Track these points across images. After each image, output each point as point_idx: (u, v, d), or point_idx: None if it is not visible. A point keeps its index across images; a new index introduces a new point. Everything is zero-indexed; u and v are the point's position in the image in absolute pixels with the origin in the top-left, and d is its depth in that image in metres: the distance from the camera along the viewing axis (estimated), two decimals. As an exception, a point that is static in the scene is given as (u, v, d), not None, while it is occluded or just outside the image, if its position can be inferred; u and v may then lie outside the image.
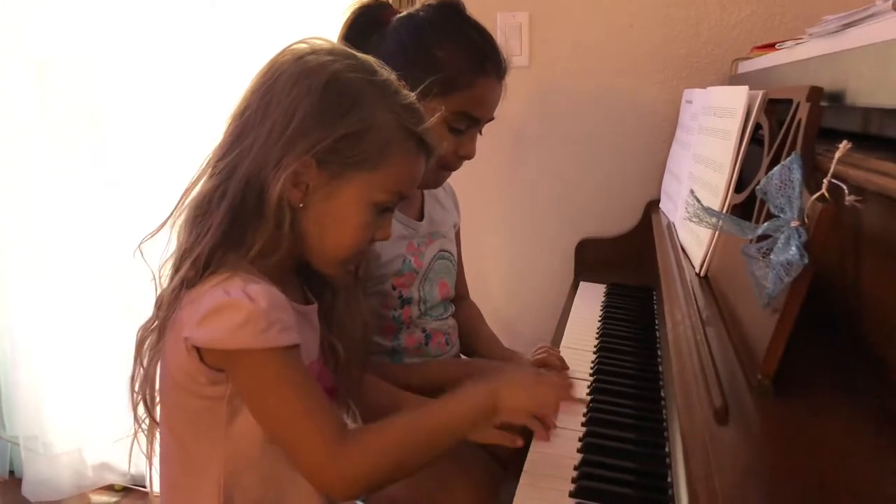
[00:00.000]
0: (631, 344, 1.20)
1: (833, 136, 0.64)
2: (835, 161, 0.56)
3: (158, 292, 0.79)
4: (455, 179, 1.21)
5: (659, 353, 1.13)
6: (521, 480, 0.80)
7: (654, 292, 1.42)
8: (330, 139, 0.74)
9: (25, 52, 1.88)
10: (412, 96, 0.81)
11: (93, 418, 2.02)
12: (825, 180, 0.56)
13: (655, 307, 1.36)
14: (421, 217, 1.18)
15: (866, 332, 0.63)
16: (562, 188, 1.71)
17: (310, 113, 0.74)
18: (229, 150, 0.77)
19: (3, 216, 1.96)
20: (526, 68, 1.64)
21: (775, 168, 0.60)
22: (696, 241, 1.02)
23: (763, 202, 0.66)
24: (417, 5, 1.10)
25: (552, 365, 1.08)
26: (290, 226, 0.76)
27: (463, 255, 1.33)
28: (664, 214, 1.43)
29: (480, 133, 1.11)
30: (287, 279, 0.83)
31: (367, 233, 0.80)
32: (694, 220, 0.73)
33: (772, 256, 0.57)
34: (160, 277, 0.79)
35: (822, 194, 0.55)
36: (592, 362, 1.13)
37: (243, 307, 0.69)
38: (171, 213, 0.78)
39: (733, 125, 0.94)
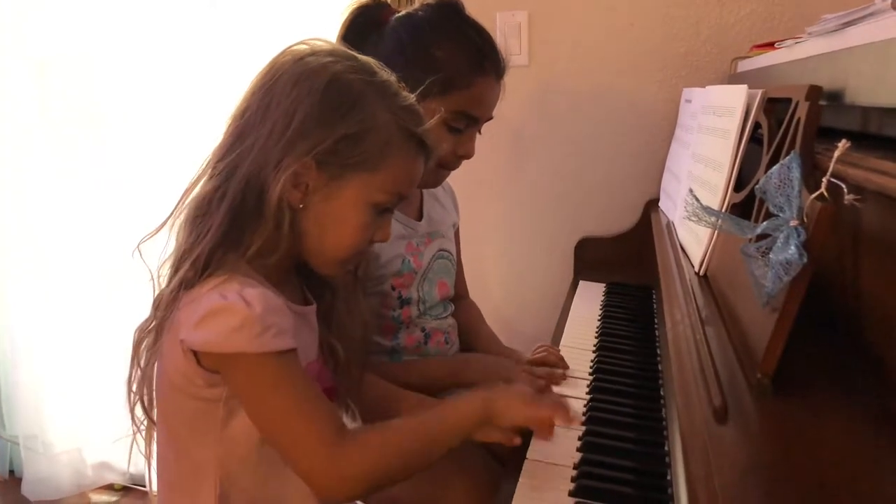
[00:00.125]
0: (630, 343, 1.20)
1: (832, 135, 0.64)
2: (834, 160, 0.56)
3: (157, 293, 0.79)
4: (455, 179, 1.21)
5: (658, 352, 1.13)
6: (521, 479, 0.80)
7: (654, 291, 1.42)
8: (330, 140, 0.74)
9: (25, 52, 1.88)
10: (412, 98, 0.81)
11: (92, 418, 2.02)
12: (824, 179, 0.56)
13: (655, 306, 1.36)
14: (420, 217, 1.18)
15: (865, 332, 0.63)
16: (561, 187, 1.71)
17: (310, 114, 0.74)
18: (229, 150, 0.77)
19: (3, 216, 1.97)
20: (525, 67, 1.64)
21: (774, 167, 0.60)
22: (695, 240, 1.02)
23: (762, 201, 0.66)
24: (416, 5, 1.10)
25: (551, 364, 1.08)
26: (289, 226, 0.76)
27: (462, 254, 1.33)
28: (663, 213, 1.43)
29: (479, 132, 1.11)
30: (286, 279, 0.83)
31: (367, 233, 0.80)
32: (693, 219, 0.73)
33: (771, 255, 0.57)
34: (159, 278, 0.79)
35: (822, 193, 0.55)
36: (592, 361, 1.13)
37: (239, 311, 0.69)
38: (171, 214, 0.78)
39: (732, 124, 0.94)
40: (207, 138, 0.81)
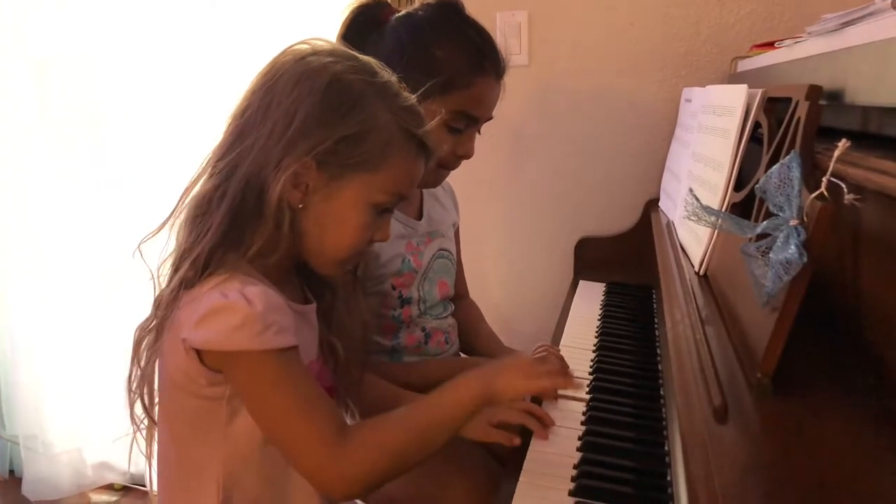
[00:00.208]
0: (630, 343, 1.20)
1: (832, 135, 0.64)
2: (834, 159, 0.56)
3: (157, 292, 0.79)
4: (455, 178, 1.21)
5: (658, 351, 1.13)
6: (521, 479, 0.80)
7: (654, 291, 1.42)
8: (330, 140, 0.74)
9: (25, 52, 1.88)
10: (412, 98, 0.81)
11: (92, 418, 2.02)
12: (824, 179, 0.56)
13: (655, 306, 1.36)
14: (420, 216, 1.18)
15: (865, 331, 0.63)
16: (561, 187, 1.71)
17: (311, 114, 0.74)
18: (229, 150, 0.77)
19: (3, 216, 1.97)
20: (525, 67, 1.64)
21: (774, 166, 0.60)
22: (695, 239, 1.02)
23: (762, 201, 0.66)
24: (416, 4, 1.09)
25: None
26: (289, 226, 0.76)
27: (462, 254, 1.33)
28: (663, 213, 1.43)
29: (479, 132, 1.11)
30: (286, 279, 0.83)
31: (367, 233, 0.80)
32: (693, 218, 0.73)
33: (771, 255, 0.57)
34: (159, 277, 0.79)
35: (822, 193, 0.55)
36: (592, 361, 1.13)
37: (240, 309, 0.69)
38: (171, 213, 0.78)
39: (732, 124, 0.94)
40: (208, 138, 0.81)
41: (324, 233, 0.78)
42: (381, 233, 0.83)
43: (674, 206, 1.31)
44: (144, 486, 2.07)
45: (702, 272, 0.95)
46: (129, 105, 1.90)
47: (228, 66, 1.77)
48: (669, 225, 1.29)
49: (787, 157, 0.59)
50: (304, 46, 0.79)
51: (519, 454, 0.85)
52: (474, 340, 1.26)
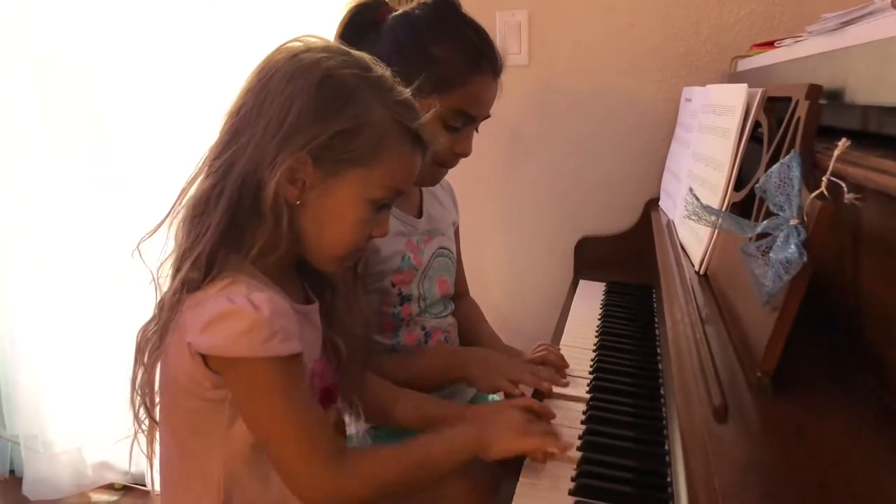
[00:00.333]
0: (630, 342, 1.20)
1: (832, 134, 0.64)
2: (834, 159, 0.56)
3: (158, 293, 0.79)
4: (454, 178, 1.21)
5: (658, 351, 1.13)
6: (521, 479, 0.80)
7: (654, 290, 1.42)
8: (325, 135, 0.74)
9: (25, 52, 1.88)
10: (407, 92, 0.81)
11: (93, 417, 2.02)
12: (824, 178, 0.56)
13: (655, 305, 1.36)
14: (419, 214, 1.18)
15: (865, 331, 0.62)
16: (561, 186, 1.71)
17: (304, 110, 0.74)
18: (225, 148, 0.77)
19: (3, 216, 1.97)
20: (525, 67, 1.64)
21: (774, 166, 0.60)
22: (695, 239, 1.02)
23: (762, 200, 0.66)
24: (413, 3, 1.09)
25: (552, 363, 1.08)
26: (288, 224, 0.76)
27: (462, 253, 1.33)
28: (664, 213, 1.43)
29: (477, 130, 1.11)
30: (288, 278, 0.83)
31: (365, 230, 0.80)
32: (693, 218, 0.73)
33: (771, 254, 0.57)
34: (159, 278, 0.79)
35: (822, 192, 0.55)
36: (592, 360, 1.13)
37: (247, 315, 0.69)
38: (169, 213, 0.78)
39: (732, 123, 0.93)
40: (208, 138, 0.81)
41: (322, 230, 0.78)
42: (380, 229, 0.83)
43: (674, 206, 1.31)
44: (145, 485, 2.07)
45: (702, 272, 0.94)
46: (129, 105, 1.90)
47: (228, 66, 1.77)
48: (669, 224, 1.29)
49: (787, 156, 0.59)
50: (298, 44, 0.79)
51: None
52: (475, 339, 1.26)
